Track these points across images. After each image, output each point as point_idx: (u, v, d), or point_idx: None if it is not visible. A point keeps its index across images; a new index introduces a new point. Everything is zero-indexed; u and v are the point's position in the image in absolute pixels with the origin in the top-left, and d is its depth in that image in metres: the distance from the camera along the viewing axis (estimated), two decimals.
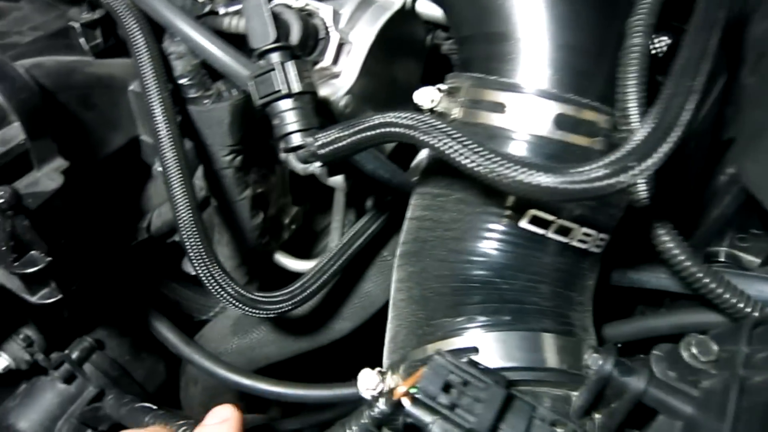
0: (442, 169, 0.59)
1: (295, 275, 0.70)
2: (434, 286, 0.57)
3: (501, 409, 0.43)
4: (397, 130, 0.49)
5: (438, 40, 0.80)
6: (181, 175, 0.59)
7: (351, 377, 0.58)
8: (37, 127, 0.58)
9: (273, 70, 0.52)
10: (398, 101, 0.67)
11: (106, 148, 0.74)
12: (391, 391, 0.46)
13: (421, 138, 0.47)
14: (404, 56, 0.73)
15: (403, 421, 0.48)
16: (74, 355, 0.79)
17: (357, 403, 0.76)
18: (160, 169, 0.77)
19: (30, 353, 0.75)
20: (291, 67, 0.52)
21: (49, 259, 0.54)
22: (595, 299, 0.60)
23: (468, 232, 0.56)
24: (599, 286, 0.60)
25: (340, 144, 0.53)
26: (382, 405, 0.46)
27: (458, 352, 0.49)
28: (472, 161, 0.44)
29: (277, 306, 0.62)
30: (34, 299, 0.57)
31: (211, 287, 0.59)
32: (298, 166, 0.72)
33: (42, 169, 0.62)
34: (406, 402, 0.45)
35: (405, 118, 0.49)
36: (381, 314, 0.85)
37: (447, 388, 0.44)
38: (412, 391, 0.45)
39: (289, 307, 0.62)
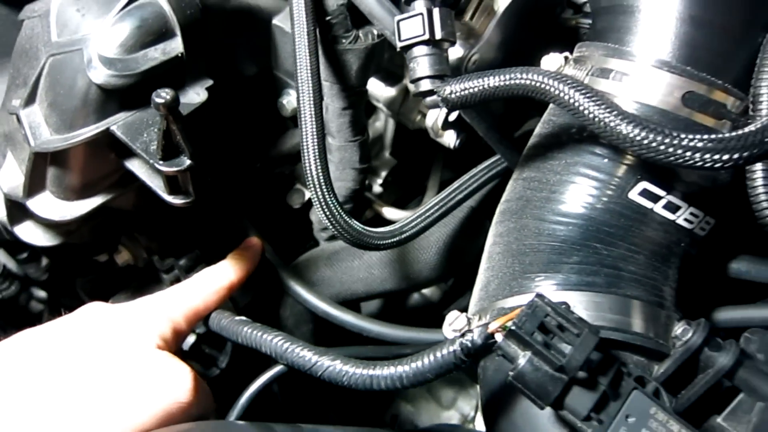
0: (559, 134, 0.61)
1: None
2: (533, 242, 0.60)
3: (590, 356, 0.46)
4: (531, 83, 0.51)
5: (566, 14, 0.81)
6: (313, 108, 0.63)
7: None
8: (195, 43, 0.64)
9: (419, 14, 0.56)
10: None
11: (240, 74, 0.80)
12: (485, 325, 0.49)
13: (561, 95, 0.49)
14: (534, 26, 0.75)
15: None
16: (182, 262, 0.86)
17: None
18: (286, 102, 0.83)
19: (148, 253, 0.82)
20: (437, 14, 0.56)
21: (192, 163, 0.60)
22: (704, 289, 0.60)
23: (574, 196, 0.58)
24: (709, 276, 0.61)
25: (469, 91, 0.55)
26: (475, 336, 0.49)
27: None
28: (617, 126, 0.47)
29: (382, 241, 0.66)
30: (170, 198, 0.63)
31: (325, 215, 0.63)
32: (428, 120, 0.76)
33: (190, 83, 0.68)
34: (498, 336, 0.48)
35: (541, 73, 0.51)
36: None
37: (542, 328, 0.47)
38: (508, 325, 0.48)
39: (393, 243, 0.66)
